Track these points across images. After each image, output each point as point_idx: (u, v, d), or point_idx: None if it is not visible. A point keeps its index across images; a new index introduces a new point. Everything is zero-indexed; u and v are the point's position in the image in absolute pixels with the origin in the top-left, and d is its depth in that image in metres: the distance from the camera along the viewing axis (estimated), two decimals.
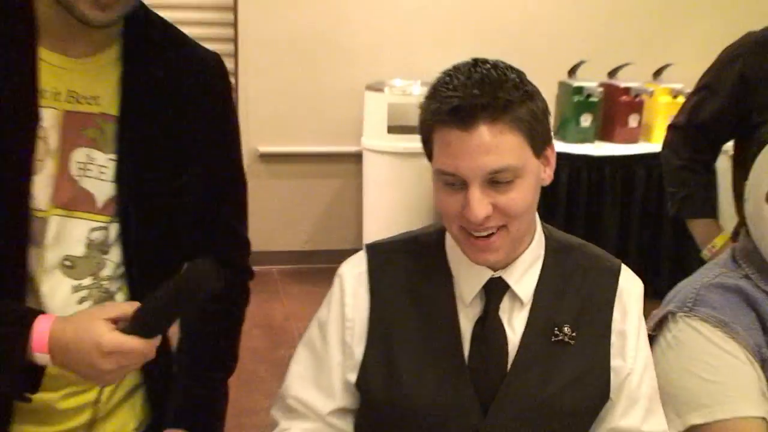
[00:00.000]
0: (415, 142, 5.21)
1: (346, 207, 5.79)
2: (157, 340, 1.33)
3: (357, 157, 5.56)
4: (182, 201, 1.56)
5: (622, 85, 5.34)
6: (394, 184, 5.26)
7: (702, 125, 2.70)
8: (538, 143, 1.40)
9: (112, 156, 1.47)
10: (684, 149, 2.76)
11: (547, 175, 1.47)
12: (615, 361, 1.52)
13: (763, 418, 1.57)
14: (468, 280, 1.50)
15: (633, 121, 5.34)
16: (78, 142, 1.44)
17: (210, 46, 1.62)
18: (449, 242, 1.53)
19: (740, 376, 1.59)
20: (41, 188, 1.41)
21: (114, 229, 1.49)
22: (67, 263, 1.46)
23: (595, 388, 1.52)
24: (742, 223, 1.73)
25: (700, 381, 1.58)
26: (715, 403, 1.56)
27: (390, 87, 5.32)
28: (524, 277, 1.50)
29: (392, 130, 5.24)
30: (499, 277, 1.49)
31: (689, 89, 5.29)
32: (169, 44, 1.56)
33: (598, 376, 1.52)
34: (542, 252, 1.54)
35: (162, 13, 1.57)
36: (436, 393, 1.48)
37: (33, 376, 1.38)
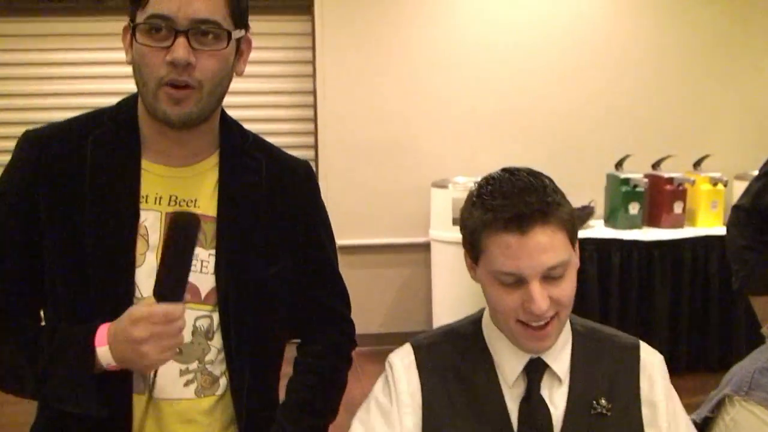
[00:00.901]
0: None
1: (416, 293, 5.76)
2: (180, 305, 1.36)
3: (425, 247, 5.56)
4: (273, 289, 1.59)
5: (666, 175, 5.29)
6: (460, 271, 5.19)
7: (765, 209, 2.64)
8: (574, 237, 1.42)
9: (212, 251, 1.52)
10: (747, 230, 2.70)
11: (577, 260, 1.47)
12: (648, 431, 1.48)
13: None
14: (510, 363, 1.48)
15: (677, 208, 5.27)
16: None
17: (294, 152, 1.68)
18: (486, 330, 1.53)
19: None
20: (144, 279, 1.46)
21: (216, 317, 1.52)
22: (177, 349, 1.46)
23: None
24: None
25: None
26: None
27: (453, 183, 5.33)
28: (559, 356, 1.49)
29: (457, 222, 5.22)
30: (539, 358, 1.47)
31: (727, 177, 5.30)
32: (261, 155, 1.61)
33: None
34: (570, 334, 1.53)
35: (253, 127, 1.63)
36: None
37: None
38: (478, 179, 5.38)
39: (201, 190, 1.54)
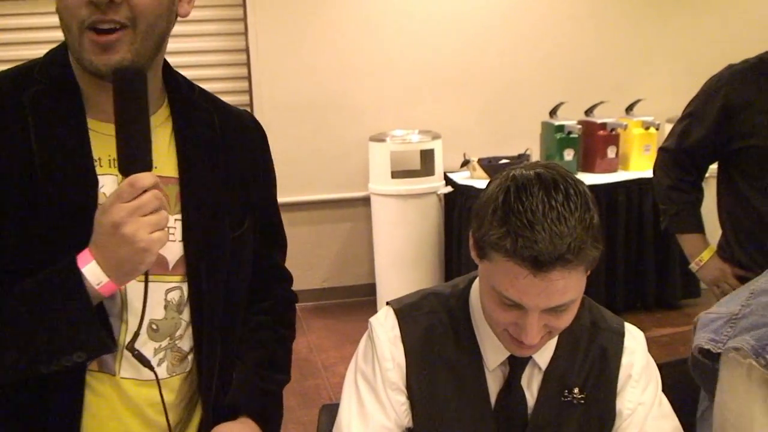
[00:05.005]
0: (416, 185, 5.24)
1: (358, 246, 5.77)
2: (148, 174, 1.19)
3: (365, 201, 5.55)
4: (243, 251, 1.50)
5: (599, 121, 5.34)
6: (400, 223, 5.25)
7: (689, 149, 2.69)
8: (592, 266, 1.29)
9: (178, 216, 1.38)
10: (673, 170, 2.76)
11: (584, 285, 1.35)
12: (620, 404, 1.48)
13: None
14: (493, 352, 1.45)
15: (611, 152, 5.33)
16: None
17: None
18: (474, 312, 1.48)
19: None
20: None
21: (185, 288, 1.40)
22: (153, 326, 1.37)
23: None
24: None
25: None
26: None
27: (391, 137, 5.31)
28: (545, 348, 1.46)
29: (395, 174, 5.24)
30: None
31: (659, 121, 5.37)
32: (212, 107, 1.49)
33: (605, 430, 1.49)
34: None
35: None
36: None
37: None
38: (416, 131, 5.34)
39: (155, 149, 1.30)
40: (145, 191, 1.18)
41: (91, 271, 1.20)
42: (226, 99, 1.61)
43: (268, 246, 1.63)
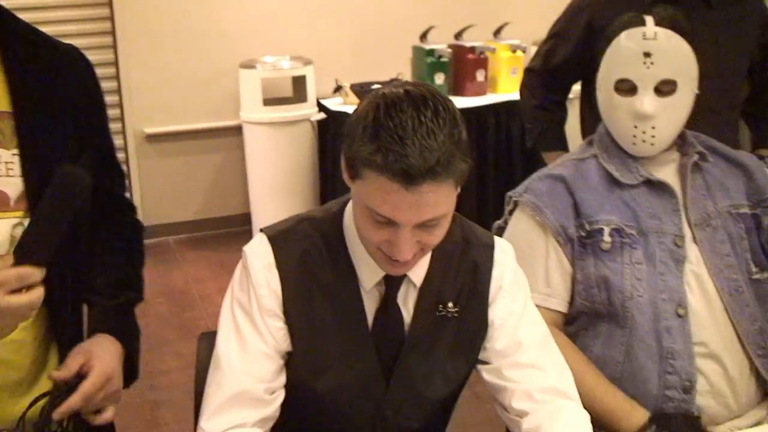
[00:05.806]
0: (288, 112, 5.17)
1: (231, 176, 5.70)
2: (40, 271, 1.18)
3: (237, 130, 5.47)
4: None
5: (468, 44, 5.39)
6: (273, 152, 5.22)
7: (554, 69, 2.76)
8: (462, 181, 1.33)
9: (15, 151, 1.36)
10: (539, 90, 2.82)
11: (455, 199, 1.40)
12: (492, 314, 1.54)
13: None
14: (369, 273, 1.48)
15: (480, 76, 5.41)
16: None
17: (89, 40, 1.56)
18: (348, 233, 1.49)
19: (532, 264, 1.81)
20: None
21: (27, 223, 1.35)
22: None
23: (475, 353, 1.55)
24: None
25: None
26: None
27: (262, 63, 5.24)
28: (418, 265, 1.48)
29: (267, 102, 5.18)
30: None
31: (526, 44, 5.46)
32: (38, 40, 1.46)
33: (478, 342, 1.54)
34: None
35: (41, 14, 1.48)
36: (347, 371, 1.49)
37: None
38: (287, 57, 5.25)
39: None
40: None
41: None
42: (87, 26, 1.57)
43: (103, 176, 1.61)
